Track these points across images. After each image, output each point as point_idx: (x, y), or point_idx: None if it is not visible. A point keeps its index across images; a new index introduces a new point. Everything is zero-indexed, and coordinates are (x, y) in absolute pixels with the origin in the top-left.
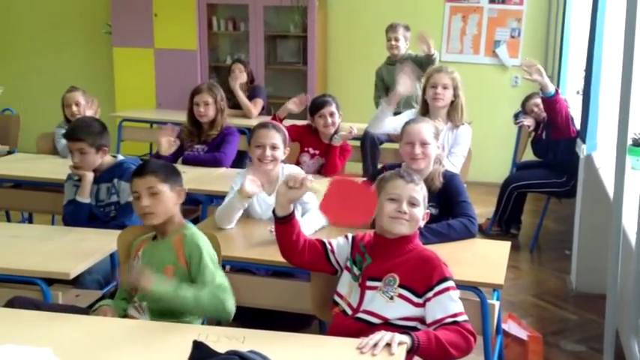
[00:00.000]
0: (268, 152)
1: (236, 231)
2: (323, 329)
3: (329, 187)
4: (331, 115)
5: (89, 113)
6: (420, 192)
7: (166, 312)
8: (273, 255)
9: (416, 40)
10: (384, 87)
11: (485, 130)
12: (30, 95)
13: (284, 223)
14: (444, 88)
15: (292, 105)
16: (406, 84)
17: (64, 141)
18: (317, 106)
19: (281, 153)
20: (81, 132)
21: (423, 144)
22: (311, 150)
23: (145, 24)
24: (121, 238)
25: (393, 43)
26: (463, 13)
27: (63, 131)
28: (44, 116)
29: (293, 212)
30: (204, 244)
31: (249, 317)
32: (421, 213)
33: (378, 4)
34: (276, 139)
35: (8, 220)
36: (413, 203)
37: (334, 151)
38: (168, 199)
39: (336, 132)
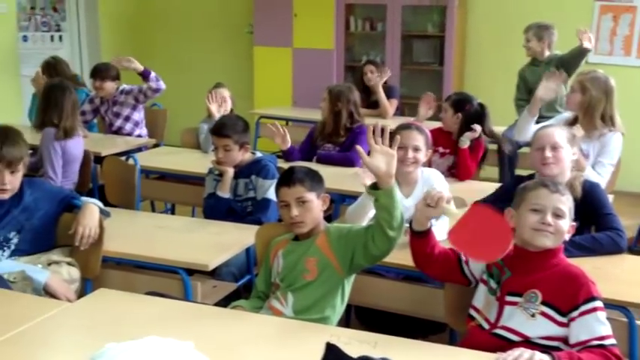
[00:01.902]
0: (410, 154)
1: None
2: (453, 337)
3: (467, 214)
4: (445, 110)
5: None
6: (566, 202)
7: (309, 306)
8: (404, 259)
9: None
10: (526, 88)
11: (635, 136)
12: (176, 91)
13: (420, 238)
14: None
15: (423, 109)
16: (547, 88)
17: (204, 136)
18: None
19: (423, 155)
20: (228, 129)
21: (554, 148)
22: (441, 149)
23: (285, 24)
24: (259, 235)
25: (524, 44)
26: (614, 12)
27: (206, 126)
28: (189, 111)
29: (430, 227)
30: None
31: (377, 319)
32: (567, 225)
33: (521, 4)
34: (419, 140)
35: (153, 209)
36: (558, 215)
37: (463, 153)
38: (315, 207)
39: (461, 133)
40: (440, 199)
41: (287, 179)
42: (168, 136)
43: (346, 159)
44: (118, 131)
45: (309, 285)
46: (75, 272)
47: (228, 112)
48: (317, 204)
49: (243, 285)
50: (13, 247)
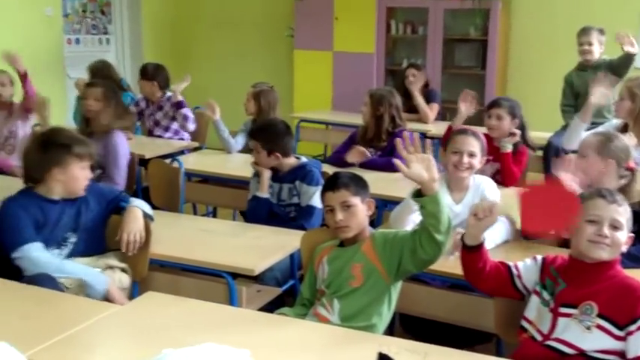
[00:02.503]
0: (465, 159)
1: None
2: (500, 347)
3: (520, 203)
4: (497, 117)
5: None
6: (624, 214)
7: (356, 313)
8: (450, 266)
9: (615, 42)
10: (573, 94)
11: None
12: (217, 94)
13: (472, 252)
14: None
15: (463, 107)
16: (600, 94)
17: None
18: (489, 105)
19: (477, 161)
20: (257, 132)
21: (583, 156)
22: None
23: (326, 27)
24: (304, 240)
25: (586, 47)
26: None
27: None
28: (230, 114)
29: (482, 241)
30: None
31: (422, 327)
32: (624, 237)
33: (567, 7)
34: (475, 146)
35: (194, 212)
36: (615, 226)
37: (506, 158)
38: (360, 212)
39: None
40: (493, 206)
41: (332, 184)
42: (210, 139)
43: (389, 164)
44: (158, 138)
45: (355, 291)
46: (126, 279)
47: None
48: (362, 208)
49: (286, 290)
50: (71, 246)
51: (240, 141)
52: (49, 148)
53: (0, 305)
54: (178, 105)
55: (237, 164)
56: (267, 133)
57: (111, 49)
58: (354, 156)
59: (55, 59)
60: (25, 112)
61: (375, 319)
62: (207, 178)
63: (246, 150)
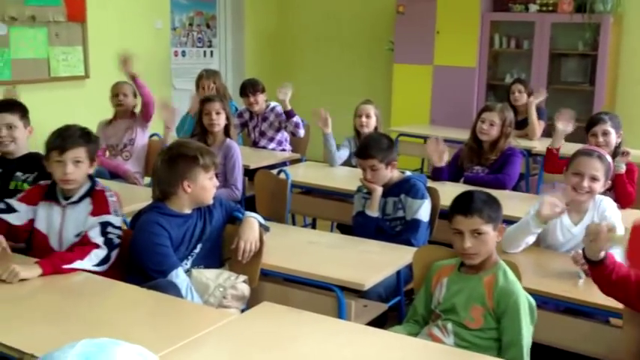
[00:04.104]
0: (586, 183)
1: (528, 259)
2: None
3: (631, 234)
4: (604, 134)
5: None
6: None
7: (473, 346)
8: (565, 289)
9: None
10: None
11: None
12: (317, 106)
13: (597, 266)
14: None
15: (560, 124)
16: None
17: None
18: (590, 123)
19: (600, 186)
20: (372, 149)
21: None
22: None
23: (427, 41)
24: (417, 256)
25: None
26: None
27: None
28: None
29: (605, 256)
30: (520, 292)
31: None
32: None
33: None
34: (599, 170)
35: (293, 222)
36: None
37: (620, 179)
38: (490, 240)
39: (614, 156)
40: (608, 230)
41: (465, 207)
42: (311, 151)
43: (497, 181)
44: (262, 149)
45: (472, 331)
46: (247, 290)
47: (372, 130)
48: (492, 236)
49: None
50: (194, 256)
51: (342, 154)
52: (177, 162)
53: (128, 309)
54: (288, 114)
55: (340, 177)
56: (382, 146)
57: (214, 61)
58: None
59: (162, 70)
60: (144, 120)
61: (493, 352)
62: (310, 190)
63: (346, 163)
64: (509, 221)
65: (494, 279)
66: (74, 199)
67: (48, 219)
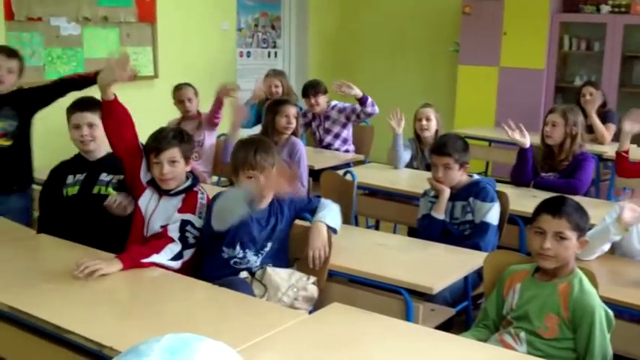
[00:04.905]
0: None
1: (603, 267)
2: None
3: None
4: None
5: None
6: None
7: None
8: None
9: None
10: None
11: None
12: (380, 108)
13: None
14: None
15: (627, 125)
16: None
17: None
18: None
19: None
20: (449, 147)
21: None
22: None
23: (493, 42)
24: (488, 261)
25: None
26: None
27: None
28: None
29: None
30: (596, 304)
31: None
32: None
33: None
34: None
35: (356, 224)
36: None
37: None
38: (571, 247)
39: None
40: None
41: (554, 207)
42: (374, 153)
43: (569, 186)
44: (328, 147)
45: (547, 341)
46: (315, 291)
47: (432, 133)
48: (574, 244)
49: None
50: (265, 253)
51: (405, 156)
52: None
53: (202, 306)
54: (361, 100)
55: (405, 179)
56: (458, 146)
57: (278, 62)
58: None
59: (228, 71)
60: (211, 125)
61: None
62: (374, 191)
63: (408, 165)
64: None
65: (570, 287)
66: (171, 192)
67: (148, 203)
